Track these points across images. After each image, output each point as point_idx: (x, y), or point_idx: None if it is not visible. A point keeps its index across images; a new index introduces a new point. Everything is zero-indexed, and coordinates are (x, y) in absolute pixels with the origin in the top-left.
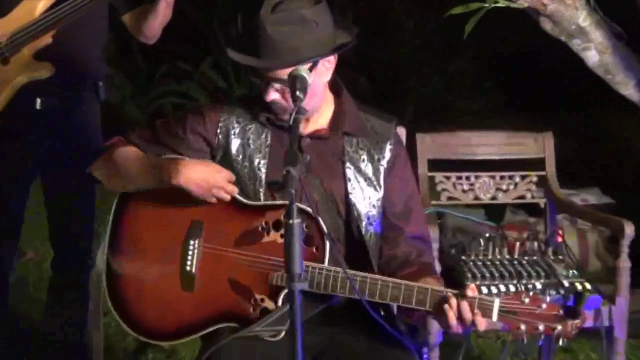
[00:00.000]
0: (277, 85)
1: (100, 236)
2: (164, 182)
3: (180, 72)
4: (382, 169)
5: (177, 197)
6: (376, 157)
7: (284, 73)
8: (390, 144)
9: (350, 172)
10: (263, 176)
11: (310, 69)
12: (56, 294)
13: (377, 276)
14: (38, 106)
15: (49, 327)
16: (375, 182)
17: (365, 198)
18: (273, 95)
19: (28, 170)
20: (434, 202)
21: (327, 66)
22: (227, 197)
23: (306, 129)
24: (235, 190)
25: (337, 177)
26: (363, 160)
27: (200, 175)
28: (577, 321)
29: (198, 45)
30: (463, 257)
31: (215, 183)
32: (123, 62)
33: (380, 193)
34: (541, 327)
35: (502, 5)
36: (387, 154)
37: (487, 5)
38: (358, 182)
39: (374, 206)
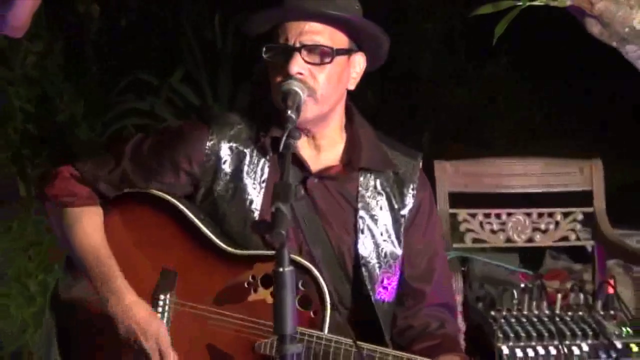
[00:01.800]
0: (306, 54)
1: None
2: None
3: (145, 86)
4: (403, 221)
5: (146, 239)
6: (396, 205)
7: (321, 33)
8: (413, 189)
9: (363, 222)
10: (256, 216)
11: (348, 52)
12: None
13: (387, 350)
14: None
15: None
16: (393, 236)
17: (380, 255)
18: (298, 67)
19: None
20: (456, 246)
21: (357, 71)
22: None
23: (316, 163)
24: None
25: (346, 227)
26: (381, 208)
27: (134, 325)
28: None
29: (165, 54)
30: (493, 313)
31: (142, 344)
32: (74, 73)
33: (399, 250)
34: None
35: (540, 4)
36: (410, 201)
37: (520, 3)
38: (372, 234)
39: (390, 266)
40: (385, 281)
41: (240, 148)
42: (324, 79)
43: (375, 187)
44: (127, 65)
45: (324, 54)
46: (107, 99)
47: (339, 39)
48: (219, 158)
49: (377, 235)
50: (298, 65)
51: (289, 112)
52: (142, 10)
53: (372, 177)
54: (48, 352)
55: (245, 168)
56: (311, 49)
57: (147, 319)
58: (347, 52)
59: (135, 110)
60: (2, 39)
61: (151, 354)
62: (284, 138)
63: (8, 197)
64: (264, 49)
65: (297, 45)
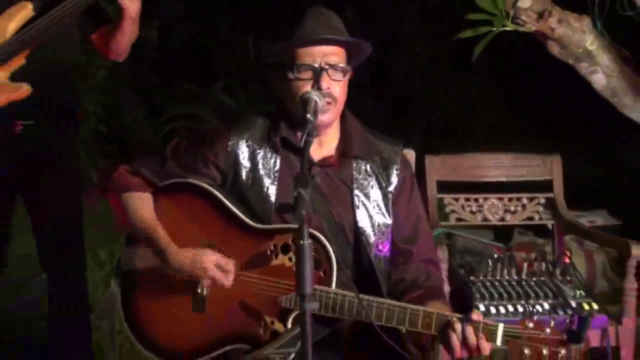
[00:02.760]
0: (332, 73)
1: (106, 264)
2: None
3: (193, 95)
4: (390, 196)
5: (188, 218)
6: (384, 183)
7: (338, 54)
8: (397, 169)
9: (358, 200)
10: (272, 200)
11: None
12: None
13: (384, 300)
14: (16, 130)
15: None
16: (383, 209)
17: (374, 225)
18: (326, 83)
19: (7, 199)
20: (443, 224)
21: (346, 75)
22: (209, 282)
23: (316, 155)
24: (220, 277)
25: (346, 205)
26: (372, 187)
27: (186, 264)
28: (580, 346)
29: (210, 68)
30: (472, 278)
31: (202, 270)
32: (136, 83)
33: (389, 220)
34: (545, 352)
35: (510, 29)
36: (395, 180)
37: (495, 29)
38: (367, 209)
39: (382, 233)
40: (380, 246)
41: (256, 146)
42: (341, 90)
43: (366, 171)
44: (178, 78)
45: (343, 72)
46: (163, 105)
47: (344, 57)
48: (238, 154)
49: (370, 209)
50: (326, 82)
51: (309, 115)
52: (190, 33)
53: (363, 162)
54: (114, 307)
55: (261, 162)
56: (335, 68)
57: (195, 254)
58: (350, 67)
59: (185, 114)
60: (80, 56)
61: (210, 270)
62: (304, 136)
63: (84, 184)
64: (295, 68)
65: (324, 65)
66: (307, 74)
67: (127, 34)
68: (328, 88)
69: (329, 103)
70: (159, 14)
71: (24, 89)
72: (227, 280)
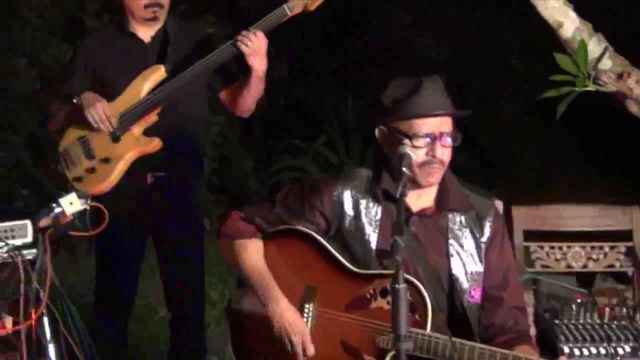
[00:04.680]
0: (444, 140)
1: (217, 303)
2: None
3: (297, 149)
4: (483, 246)
5: (294, 262)
6: (477, 234)
7: (448, 124)
8: (489, 221)
9: (453, 249)
10: (373, 247)
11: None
12: (176, 351)
13: (475, 343)
14: (148, 180)
15: None
16: (476, 258)
17: (467, 273)
18: (440, 150)
19: (140, 240)
20: (529, 270)
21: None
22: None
23: (415, 206)
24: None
25: (441, 253)
26: (465, 237)
27: (286, 323)
28: None
29: (313, 125)
30: (556, 321)
31: (291, 337)
32: (246, 138)
33: (481, 268)
34: None
35: (591, 89)
36: (488, 231)
37: (577, 89)
38: (460, 258)
39: (475, 280)
40: (472, 292)
41: (359, 196)
42: (449, 154)
43: (461, 222)
44: (284, 133)
45: (453, 139)
46: (270, 158)
47: (450, 123)
48: (343, 203)
49: (464, 257)
50: (440, 149)
51: (404, 169)
52: (295, 92)
53: (458, 215)
54: (224, 344)
55: (363, 211)
56: (447, 136)
57: (295, 320)
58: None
59: (290, 167)
60: (206, 113)
61: (296, 345)
62: (400, 188)
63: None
64: (412, 136)
65: (438, 134)
66: (423, 142)
67: (254, 92)
68: (441, 155)
69: (439, 168)
70: (266, 75)
71: (156, 143)
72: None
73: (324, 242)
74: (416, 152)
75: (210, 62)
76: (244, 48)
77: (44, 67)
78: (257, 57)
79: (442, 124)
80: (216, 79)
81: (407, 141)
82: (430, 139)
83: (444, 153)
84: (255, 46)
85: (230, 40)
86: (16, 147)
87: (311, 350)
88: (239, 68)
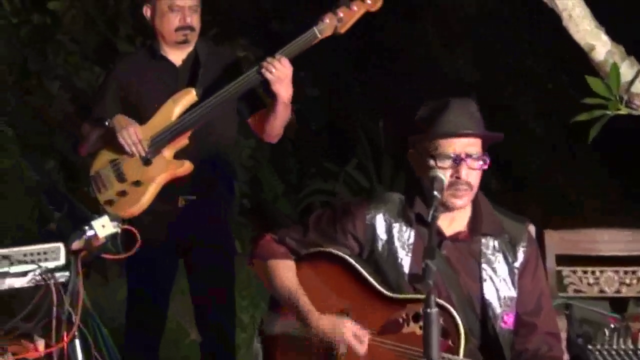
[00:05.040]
0: (470, 162)
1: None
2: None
3: (328, 172)
4: (516, 271)
5: (327, 285)
6: (510, 259)
7: (476, 145)
8: (523, 246)
9: (486, 273)
10: (406, 271)
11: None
12: None
13: None
14: (179, 204)
15: None
16: (509, 283)
17: (500, 298)
18: (465, 172)
19: (171, 263)
20: (561, 295)
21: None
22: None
23: (448, 230)
24: (357, 346)
25: (474, 277)
26: (499, 262)
27: (327, 330)
28: None
29: (344, 148)
30: (589, 347)
31: (340, 337)
32: (277, 162)
33: (514, 293)
34: None
35: (624, 112)
36: (521, 256)
37: (609, 112)
38: (493, 283)
39: (508, 305)
40: (505, 317)
41: (392, 220)
42: (477, 177)
43: (494, 247)
44: (315, 157)
45: (481, 161)
46: (301, 181)
47: (480, 146)
48: (375, 227)
49: (497, 282)
50: (465, 170)
51: (435, 192)
52: (326, 116)
53: (492, 239)
54: None
55: (396, 235)
56: (473, 158)
57: (336, 321)
58: (486, 155)
59: (321, 190)
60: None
61: (348, 338)
62: (431, 212)
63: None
64: (436, 157)
65: (463, 156)
66: (447, 163)
67: (281, 118)
68: (466, 176)
69: (465, 190)
70: (296, 98)
71: (187, 166)
72: (362, 349)
73: (356, 265)
74: (437, 170)
75: (237, 88)
76: (268, 75)
77: (77, 91)
78: (282, 84)
79: (468, 145)
80: (244, 104)
81: (432, 162)
82: (456, 160)
83: (470, 175)
84: (280, 73)
85: (255, 67)
86: (49, 170)
87: (366, 337)
88: (267, 93)
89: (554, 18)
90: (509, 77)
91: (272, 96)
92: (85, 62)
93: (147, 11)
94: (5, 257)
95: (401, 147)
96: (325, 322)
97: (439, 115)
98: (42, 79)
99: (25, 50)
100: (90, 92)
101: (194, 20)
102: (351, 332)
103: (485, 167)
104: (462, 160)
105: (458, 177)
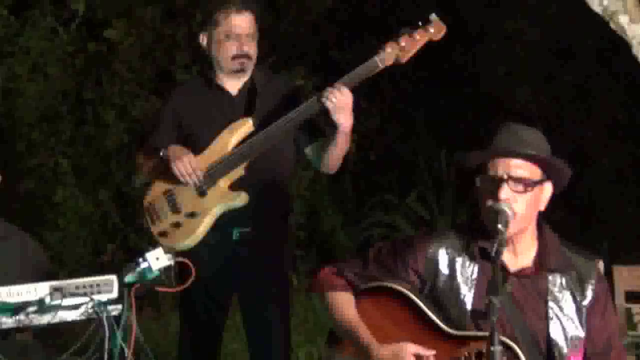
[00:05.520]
0: (512, 184)
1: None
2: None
3: (388, 204)
4: (584, 310)
5: (386, 320)
6: (579, 297)
7: (523, 167)
8: (592, 284)
9: (552, 312)
10: (468, 308)
11: (541, 182)
12: None
13: None
14: (234, 236)
15: None
16: (577, 322)
17: (567, 337)
18: (505, 194)
19: (225, 298)
20: (631, 333)
21: (547, 196)
22: None
23: (513, 266)
24: None
25: (539, 316)
26: (566, 300)
27: (388, 356)
28: None
29: (405, 179)
30: None
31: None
32: (336, 193)
33: (582, 333)
34: None
35: None
36: (590, 294)
37: None
38: (560, 321)
39: (575, 345)
40: (572, 358)
41: (455, 254)
42: (524, 203)
43: (561, 284)
44: (374, 189)
45: (525, 185)
46: (360, 213)
47: (535, 172)
48: (437, 262)
49: (564, 321)
50: (505, 192)
51: (499, 226)
52: (386, 147)
53: (559, 276)
54: None
55: (459, 270)
56: (516, 180)
57: (397, 346)
58: (540, 182)
59: (381, 222)
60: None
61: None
62: (495, 246)
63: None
64: (479, 179)
65: (505, 177)
66: (490, 185)
67: (340, 148)
68: (507, 199)
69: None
70: (355, 128)
71: (242, 197)
72: None
73: (417, 300)
74: (487, 196)
75: (296, 117)
76: (329, 104)
77: (132, 120)
78: (343, 113)
79: (514, 167)
80: (302, 134)
81: (478, 183)
82: (496, 181)
83: (514, 200)
84: (340, 102)
85: (315, 96)
86: (103, 201)
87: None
88: (325, 123)
89: (622, 45)
90: (575, 107)
91: (333, 126)
92: (141, 91)
93: (203, 39)
94: (57, 289)
95: (463, 177)
96: (386, 352)
97: (492, 137)
98: (97, 108)
99: (80, 78)
100: (146, 122)
101: (251, 48)
102: (413, 353)
103: (534, 191)
104: (502, 181)
105: (498, 200)
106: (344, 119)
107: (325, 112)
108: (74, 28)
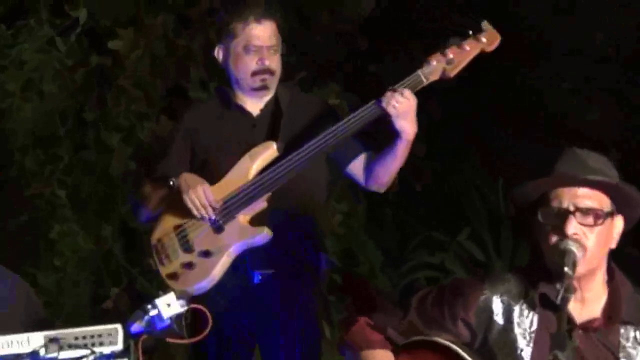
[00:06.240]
0: (580, 217)
1: None
2: None
3: (435, 243)
4: None
5: None
6: None
7: (591, 197)
8: None
9: None
10: None
11: (612, 215)
12: None
13: None
14: (255, 279)
15: None
16: None
17: None
18: (573, 228)
19: (245, 349)
20: None
21: (618, 231)
22: None
23: (579, 316)
24: None
25: None
26: (638, 356)
27: None
28: None
29: (455, 214)
30: None
31: None
32: (374, 230)
33: None
34: None
35: None
36: None
37: None
38: None
39: None
40: None
41: (511, 302)
42: (594, 238)
43: (635, 338)
44: (420, 225)
45: (595, 217)
46: (403, 253)
47: (604, 201)
48: (491, 311)
49: None
50: (573, 226)
51: (566, 268)
52: (434, 176)
53: (632, 329)
54: None
55: (516, 320)
56: (584, 211)
57: None
58: (611, 214)
59: (427, 264)
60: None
61: None
62: (561, 292)
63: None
64: (541, 213)
65: (572, 208)
66: (554, 219)
67: (401, 159)
68: (576, 234)
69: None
70: None
71: (264, 234)
72: None
73: (467, 357)
74: (551, 232)
75: (345, 127)
76: (391, 110)
77: (140, 144)
78: (407, 119)
79: (580, 197)
80: (343, 149)
81: (539, 219)
82: (560, 215)
83: (584, 235)
84: (404, 107)
85: (372, 102)
86: (106, 238)
87: None
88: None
89: None
90: None
91: (395, 134)
92: (150, 109)
93: (219, 53)
94: (53, 340)
95: (522, 211)
96: None
97: (551, 168)
98: (99, 130)
99: (80, 96)
100: (155, 146)
101: (274, 62)
102: None
103: (605, 224)
104: (568, 213)
105: (565, 235)
106: (409, 125)
107: (383, 120)
108: (74, 39)
